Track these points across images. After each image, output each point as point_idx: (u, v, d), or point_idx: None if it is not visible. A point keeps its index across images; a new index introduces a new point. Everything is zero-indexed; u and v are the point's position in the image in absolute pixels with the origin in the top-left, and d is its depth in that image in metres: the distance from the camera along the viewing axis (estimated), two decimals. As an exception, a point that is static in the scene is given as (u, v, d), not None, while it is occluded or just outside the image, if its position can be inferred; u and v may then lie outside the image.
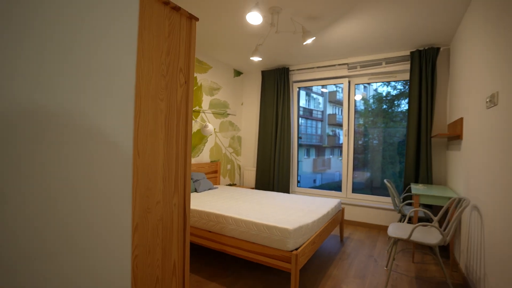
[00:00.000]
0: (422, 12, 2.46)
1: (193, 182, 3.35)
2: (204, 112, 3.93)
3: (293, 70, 4.29)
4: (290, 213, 2.34)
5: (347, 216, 3.83)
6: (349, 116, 3.94)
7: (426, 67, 3.19)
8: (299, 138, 4.47)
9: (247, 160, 4.80)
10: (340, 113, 4.32)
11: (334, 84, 4.18)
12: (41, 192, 0.77)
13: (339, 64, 3.91)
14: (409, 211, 2.45)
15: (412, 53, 3.29)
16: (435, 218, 2.20)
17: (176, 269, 1.30)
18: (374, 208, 3.63)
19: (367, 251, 2.81)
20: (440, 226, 2.77)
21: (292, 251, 1.85)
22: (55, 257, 0.80)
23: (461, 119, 2.41)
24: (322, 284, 2.10)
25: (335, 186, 4.26)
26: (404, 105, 3.75)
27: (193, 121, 3.70)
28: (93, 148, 0.90)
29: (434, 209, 3.15)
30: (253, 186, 4.58)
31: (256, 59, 3.19)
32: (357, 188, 3.97)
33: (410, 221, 3.21)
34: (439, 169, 3.24)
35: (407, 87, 3.65)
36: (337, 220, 2.83)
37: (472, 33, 2.16)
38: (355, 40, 3.19)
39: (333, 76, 4.00)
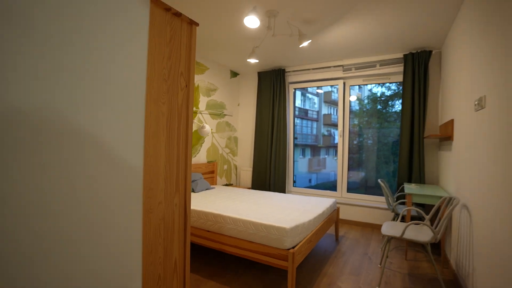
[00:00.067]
0: (414, 16, 2.53)
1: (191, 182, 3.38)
2: (201, 113, 3.96)
3: (289, 71, 4.35)
4: (286, 213, 2.39)
5: (342, 215, 3.91)
6: (344, 117, 4.01)
7: (418, 70, 3.27)
8: (295, 138, 4.53)
9: (244, 160, 4.85)
10: (335, 113, 4.38)
11: (330, 85, 4.25)
12: (67, 193, 0.80)
13: (334, 66, 3.98)
14: (402, 210, 2.52)
15: (405, 55, 3.37)
16: (427, 217, 2.27)
17: (177, 268, 1.33)
18: (369, 207, 3.70)
19: (361, 249, 2.87)
20: (432, 224, 2.86)
21: (289, 249, 1.90)
22: (76, 254, 0.84)
23: (452, 120, 2.49)
24: (318, 282, 2.16)
25: (330, 185, 4.33)
26: (398, 106, 3.83)
27: (190, 121, 3.72)
28: (106, 149, 0.94)
29: (426, 208, 3.24)
30: (250, 186, 4.63)
31: (253, 61, 3.23)
32: (352, 188, 4.04)
33: (403, 219, 3.29)
34: (431, 169, 3.32)
35: (401, 87, 3.73)
36: (332, 219, 2.89)
37: (462, 38, 2.24)
38: (350, 42, 3.25)
39: (329, 78, 4.07)
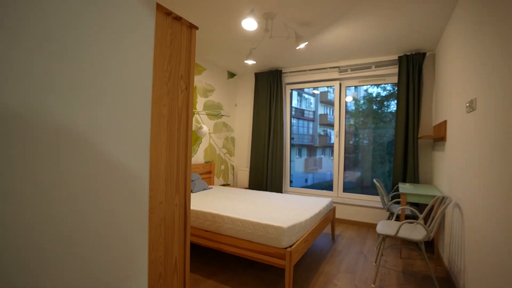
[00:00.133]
0: (409, 19, 2.59)
1: (188, 182, 3.40)
2: (198, 114, 3.98)
3: (286, 72, 4.39)
4: (284, 212, 2.43)
5: (338, 215, 3.96)
6: (340, 117, 4.06)
7: (413, 71, 3.33)
8: (291, 138, 4.57)
9: (241, 160, 4.88)
10: (331, 113, 4.44)
11: (326, 86, 4.30)
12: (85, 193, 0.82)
13: (330, 67, 4.03)
14: (397, 209, 2.58)
15: (400, 57, 3.43)
16: (421, 216, 2.33)
17: (177, 267, 1.36)
18: (364, 206, 3.76)
19: (357, 248, 2.92)
20: (426, 223, 2.92)
21: (286, 248, 1.94)
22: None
23: (445, 121, 2.55)
24: (315, 280, 2.20)
25: (327, 185, 4.38)
26: (393, 106, 3.88)
27: (187, 122, 3.74)
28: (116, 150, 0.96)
29: (420, 207, 3.30)
30: (247, 186, 4.66)
31: (250, 62, 3.26)
32: (348, 188, 4.09)
33: (398, 218, 3.35)
34: (425, 169, 3.39)
35: (396, 88, 3.80)
36: (328, 219, 2.93)
37: (454, 40, 2.29)
38: (346, 44, 3.30)
39: (325, 79, 4.12)
